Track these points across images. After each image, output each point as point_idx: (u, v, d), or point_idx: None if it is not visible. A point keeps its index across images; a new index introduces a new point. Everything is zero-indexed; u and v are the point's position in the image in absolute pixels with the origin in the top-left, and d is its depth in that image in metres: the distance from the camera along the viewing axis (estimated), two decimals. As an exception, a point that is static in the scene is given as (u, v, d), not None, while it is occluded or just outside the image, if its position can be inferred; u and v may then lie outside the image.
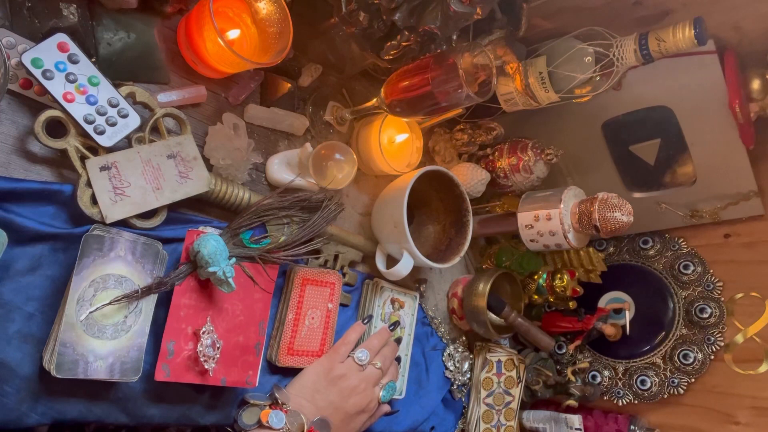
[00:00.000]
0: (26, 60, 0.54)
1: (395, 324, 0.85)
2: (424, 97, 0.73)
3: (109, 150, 0.60)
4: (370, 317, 0.84)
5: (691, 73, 0.87)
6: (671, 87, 0.90)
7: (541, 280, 1.06)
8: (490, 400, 0.99)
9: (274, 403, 0.69)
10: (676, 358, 1.02)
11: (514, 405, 1.03)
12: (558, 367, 1.09)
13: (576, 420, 1.02)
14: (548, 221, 0.89)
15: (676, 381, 1.02)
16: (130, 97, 0.61)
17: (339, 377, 0.74)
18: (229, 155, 0.69)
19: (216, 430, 0.72)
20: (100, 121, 0.58)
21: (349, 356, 0.77)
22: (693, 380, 1.01)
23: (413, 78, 0.73)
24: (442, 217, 0.93)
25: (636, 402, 1.05)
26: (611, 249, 1.15)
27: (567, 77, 0.83)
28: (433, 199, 0.92)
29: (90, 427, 0.83)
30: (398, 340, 0.86)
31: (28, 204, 0.56)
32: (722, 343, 0.99)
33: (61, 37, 0.56)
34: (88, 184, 0.58)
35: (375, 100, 0.79)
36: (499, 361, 1.01)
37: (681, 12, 0.83)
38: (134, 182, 0.61)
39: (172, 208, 0.64)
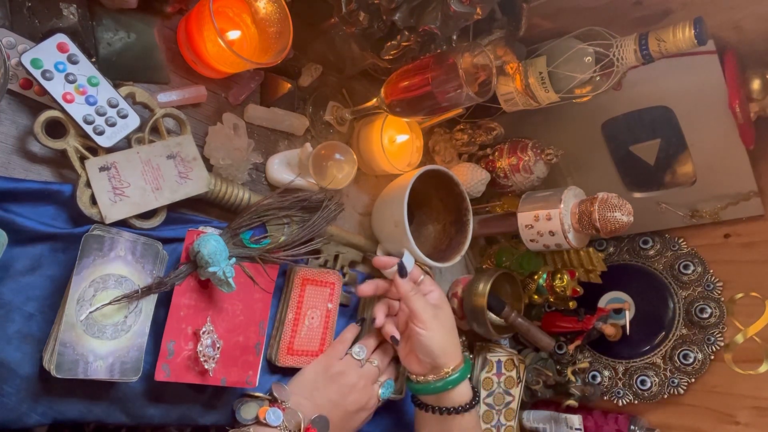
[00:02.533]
0: (26, 61, 0.54)
1: None
2: (424, 97, 0.73)
3: (109, 150, 0.60)
4: (363, 320, 0.84)
5: (691, 73, 0.87)
6: (671, 87, 0.90)
7: (541, 280, 1.06)
8: (490, 400, 0.99)
9: (273, 401, 0.69)
10: (676, 358, 1.02)
11: (514, 405, 1.03)
12: (558, 367, 1.09)
13: (576, 420, 1.02)
14: (548, 221, 0.89)
15: (676, 381, 1.02)
16: (130, 98, 0.61)
17: (338, 374, 0.74)
18: (229, 155, 0.69)
19: (216, 430, 0.72)
20: (100, 121, 0.58)
21: (346, 353, 0.77)
22: (693, 380, 1.01)
23: (413, 78, 0.74)
24: (442, 216, 0.93)
25: (636, 402, 1.05)
26: (611, 249, 1.15)
27: (567, 77, 0.83)
28: (432, 198, 0.92)
29: (90, 427, 0.83)
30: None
31: (28, 204, 0.56)
32: (722, 343, 0.99)
33: (61, 38, 0.56)
34: (88, 184, 0.58)
35: (375, 100, 0.79)
36: (499, 361, 1.01)
37: (681, 12, 0.83)
38: (134, 182, 0.61)
39: (172, 208, 0.65)
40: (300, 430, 0.67)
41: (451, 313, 0.79)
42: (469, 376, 0.78)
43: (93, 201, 0.59)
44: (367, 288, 0.81)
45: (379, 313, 0.80)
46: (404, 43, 0.75)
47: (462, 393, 0.76)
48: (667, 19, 0.84)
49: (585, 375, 1.09)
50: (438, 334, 0.75)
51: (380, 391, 0.78)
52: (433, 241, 0.93)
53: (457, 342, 0.78)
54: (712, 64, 0.85)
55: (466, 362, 0.78)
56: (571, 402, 1.04)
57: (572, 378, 1.06)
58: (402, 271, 0.77)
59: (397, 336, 0.78)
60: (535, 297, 1.08)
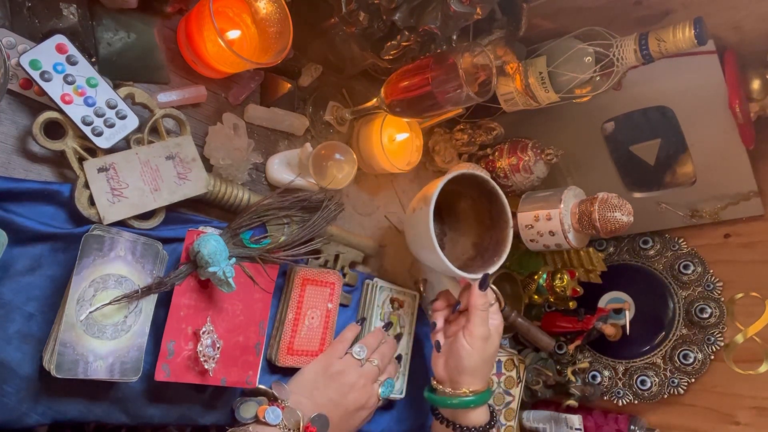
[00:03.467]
0: (24, 62, 0.54)
1: (389, 325, 0.85)
2: (424, 97, 0.73)
3: (108, 151, 0.60)
4: (363, 319, 0.84)
5: (691, 73, 0.87)
6: (671, 87, 0.90)
7: (541, 280, 1.06)
8: (490, 400, 0.99)
9: (272, 400, 0.69)
10: (676, 358, 1.02)
11: (514, 405, 1.03)
12: (558, 367, 1.09)
13: (576, 420, 1.02)
14: (548, 221, 0.89)
15: (676, 381, 1.02)
16: (129, 98, 0.61)
17: (338, 373, 0.74)
18: (229, 155, 0.69)
19: (216, 430, 0.72)
20: (98, 122, 0.58)
21: (347, 353, 0.77)
22: (693, 380, 1.01)
23: (413, 78, 0.73)
24: (467, 192, 0.88)
25: (636, 402, 1.05)
26: (611, 249, 1.15)
27: (567, 77, 0.83)
28: (458, 203, 0.90)
29: (90, 427, 0.83)
30: (398, 338, 0.86)
31: (28, 204, 0.56)
32: (722, 343, 0.99)
33: (60, 39, 0.56)
34: (86, 185, 0.58)
35: (375, 100, 0.79)
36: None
37: (681, 12, 0.83)
38: (132, 183, 0.61)
39: (172, 208, 0.65)
40: (299, 428, 0.67)
41: (497, 346, 0.81)
42: (488, 402, 0.80)
43: (91, 202, 0.59)
44: (440, 304, 0.85)
45: (440, 318, 0.84)
46: (404, 43, 0.75)
47: (478, 415, 0.78)
48: (667, 19, 0.84)
49: (585, 375, 1.09)
50: (477, 356, 0.77)
51: (380, 390, 0.78)
52: (473, 221, 0.90)
53: (488, 372, 0.80)
54: (712, 64, 0.85)
55: (486, 391, 0.78)
56: (571, 402, 1.04)
57: (572, 378, 1.06)
58: (483, 284, 0.79)
59: (439, 323, 0.82)
60: (535, 297, 1.08)
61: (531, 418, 1.06)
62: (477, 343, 0.76)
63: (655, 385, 1.03)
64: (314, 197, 0.76)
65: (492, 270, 0.82)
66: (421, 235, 0.78)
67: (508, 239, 0.84)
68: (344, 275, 0.83)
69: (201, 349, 0.62)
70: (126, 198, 0.60)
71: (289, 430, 0.66)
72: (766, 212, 0.98)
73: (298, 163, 0.77)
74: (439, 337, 0.82)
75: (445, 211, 0.75)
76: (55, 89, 0.56)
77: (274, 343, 0.74)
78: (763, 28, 0.83)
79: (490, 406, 0.81)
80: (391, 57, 0.77)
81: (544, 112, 0.95)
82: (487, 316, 0.78)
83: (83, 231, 0.57)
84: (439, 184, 0.77)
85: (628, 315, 1.05)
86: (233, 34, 0.68)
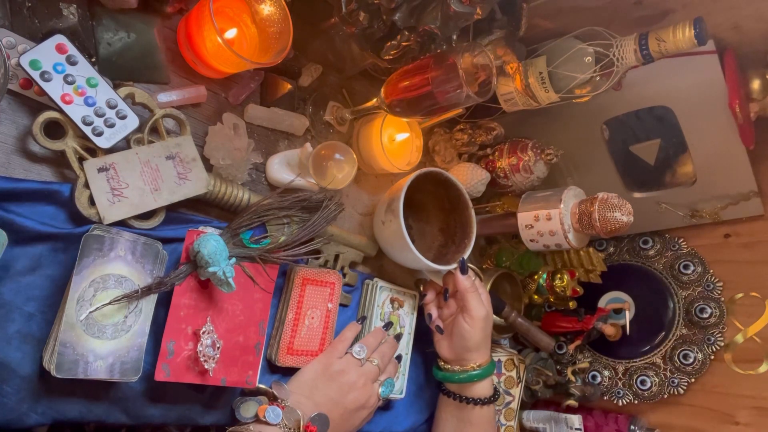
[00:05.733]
0: (24, 62, 0.54)
1: (389, 324, 0.85)
2: (424, 97, 0.73)
3: (108, 151, 0.60)
4: (364, 318, 0.84)
5: (691, 73, 0.87)
6: (671, 87, 0.90)
7: (541, 280, 1.06)
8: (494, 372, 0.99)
9: (272, 399, 0.69)
10: (676, 358, 1.02)
11: (514, 405, 1.03)
12: (558, 367, 1.09)
13: (576, 420, 1.02)
14: (548, 221, 0.89)
15: (676, 381, 1.02)
16: (129, 98, 0.61)
17: (338, 373, 0.74)
18: (229, 155, 0.69)
19: (216, 430, 0.72)
20: (99, 122, 0.58)
21: (347, 352, 0.77)
22: (693, 380, 1.01)
23: (413, 78, 0.73)
24: (422, 185, 0.87)
25: (636, 402, 1.05)
26: (611, 249, 1.15)
27: (567, 77, 0.83)
28: (424, 199, 0.92)
29: (90, 427, 0.83)
30: (398, 337, 0.86)
31: (28, 204, 0.56)
32: (722, 343, 0.99)
33: (60, 39, 0.56)
34: (86, 185, 0.58)
35: (375, 100, 0.79)
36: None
37: (681, 12, 0.83)
38: (132, 183, 0.61)
39: (172, 208, 0.65)
40: (300, 428, 0.67)
41: (492, 318, 0.87)
42: (492, 374, 0.86)
43: (91, 202, 0.59)
44: (430, 297, 0.90)
45: (433, 309, 0.89)
46: (404, 43, 0.75)
47: (483, 387, 0.85)
48: (667, 19, 0.84)
49: (585, 375, 1.09)
50: (479, 333, 0.83)
51: (380, 390, 0.78)
52: (436, 239, 0.93)
53: (489, 344, 0.86)
54: (712, 64, 0.85)
55: (491, 363, 0.85)
56: (571, 402, 1.04)
57: (572, 378, 1.06)
58: (463, 269, 0.84)
59: (434, 313, 0.88)
60: (535, 297, 1.08)
61: (531, 418, 1.06)
62: (478, 323, 0.82)
63: (655, 385, 1.03)
64: (314, 197, 0.76)
65: (467, 254, 0.86)
66: (397, 245, 0.82)
67: (472, 219, 0.89)
68: (344, 275, 0.83)
69: (201, 349, 0.62)
70: (126, 198, 0.60)
71: (290, 429, 0.66)
72: (766, 212, 0.98)
73: (298, 163, 0.77)
74: (438, 322, 0.87)
75: (405, 206, 0.78)
76: (55, 89, 0.56)
77: (274, 343, 0.74)
78: (763, 28, 0.83)
79: (495, 386, 0.87)
80: (391, 57, 0.77)
81: (544, 112, 0.95)
82: (479, 296, 0.84)
83: (83, 231, 0.57)
84: (401, 195, 0.79)
85: (628, 315, 1.05)
86: (232, 33, 0.68)
